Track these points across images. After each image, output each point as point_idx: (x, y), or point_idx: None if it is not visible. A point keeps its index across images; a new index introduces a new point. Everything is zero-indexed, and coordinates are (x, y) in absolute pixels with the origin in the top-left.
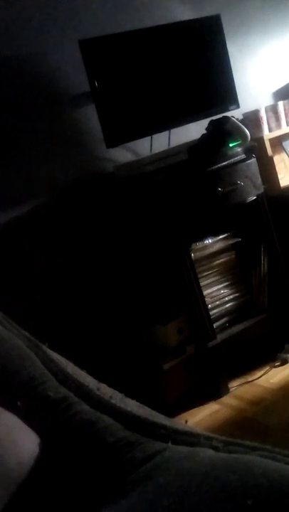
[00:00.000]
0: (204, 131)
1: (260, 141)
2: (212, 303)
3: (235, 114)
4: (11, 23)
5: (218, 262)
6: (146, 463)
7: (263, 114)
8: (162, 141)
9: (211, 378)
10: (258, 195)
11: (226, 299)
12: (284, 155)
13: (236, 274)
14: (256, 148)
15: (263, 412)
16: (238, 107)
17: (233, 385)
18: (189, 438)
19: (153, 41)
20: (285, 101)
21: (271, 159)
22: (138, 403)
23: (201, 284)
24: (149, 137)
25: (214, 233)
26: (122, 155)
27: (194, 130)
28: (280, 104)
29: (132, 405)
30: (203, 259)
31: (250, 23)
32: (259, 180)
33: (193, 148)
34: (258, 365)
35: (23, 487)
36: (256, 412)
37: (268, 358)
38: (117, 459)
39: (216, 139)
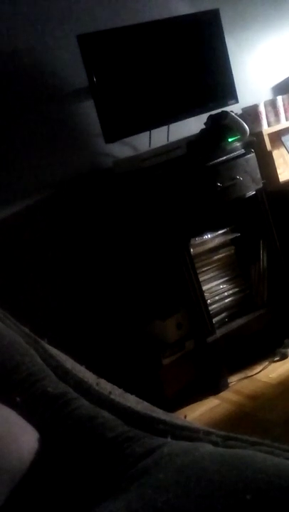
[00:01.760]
0: (203, 126)
1: (259, 135)
2: (211, 298)
3: (234, 108)
4: (9, 18)
5: (217, 257)
6: (146, 458)
7: (262, 109)
8: (161, 136)
9: (211, 373)
10: (257, 190)
11: (226, 294)
12: (283, 150)
13: (235, 269)
14: (255, 143)
15: (262, 407)
16: (237, 101)
17: (233, 380)
18: (188, 433)
19: (152, 36)
20: (284, 95)
21: (270, 154)
22: (137, 398)
23: (201, 279)
24: (148, 132)
25: (213, 228)
26: (121, 150)
27: (193, 125)
28: (279, 98)
29: (131, 400)
30: (203, 254)
31: (249, 18)
32: (258, 175)
33: (192, 143)
34: (258, 360)
35: (23, 482)
36: (255, 406)
37: (267, 352)
38: (116, 454)
39: (215, 134)
